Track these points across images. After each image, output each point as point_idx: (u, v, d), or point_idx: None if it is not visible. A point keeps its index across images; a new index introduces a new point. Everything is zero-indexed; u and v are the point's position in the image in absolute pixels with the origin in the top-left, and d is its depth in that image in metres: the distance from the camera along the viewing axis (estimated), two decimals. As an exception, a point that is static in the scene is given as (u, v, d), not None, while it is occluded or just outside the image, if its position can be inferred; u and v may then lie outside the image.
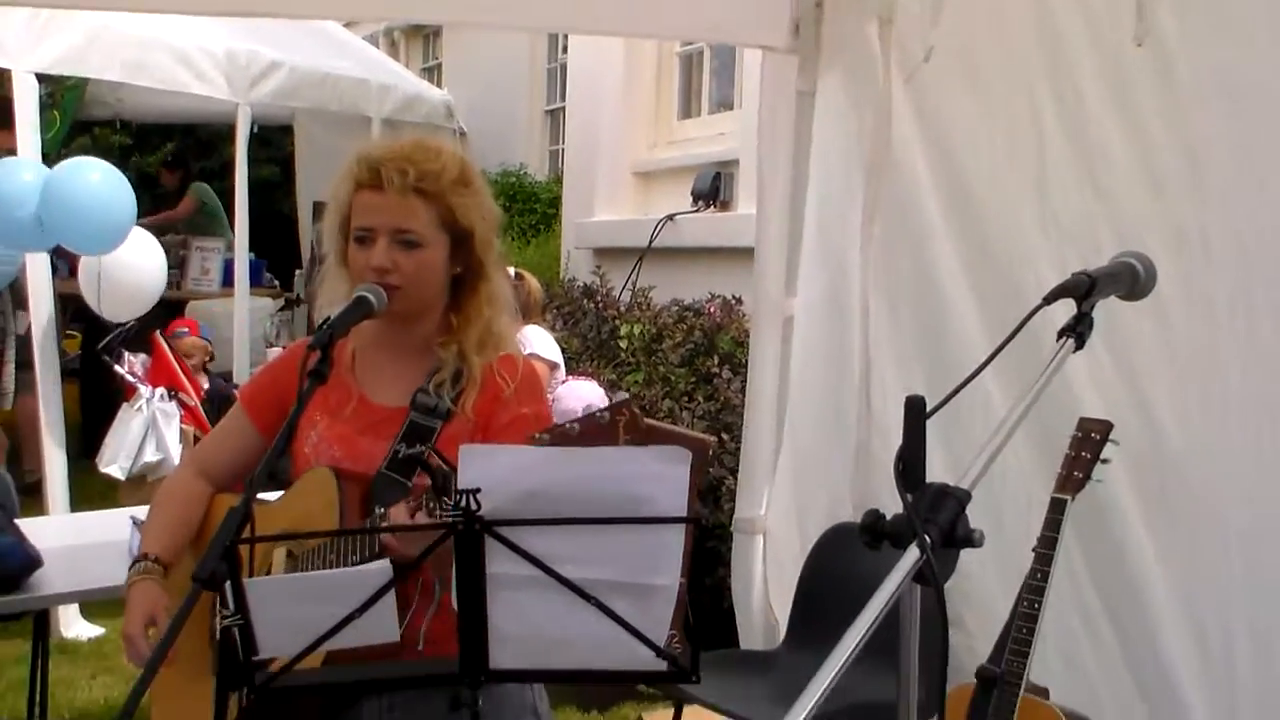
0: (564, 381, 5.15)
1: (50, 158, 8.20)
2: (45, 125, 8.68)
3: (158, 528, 2.65)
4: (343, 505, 2.41)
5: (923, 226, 4.04)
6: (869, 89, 4.23)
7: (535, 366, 5.02)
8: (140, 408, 6.42)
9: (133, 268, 6.26)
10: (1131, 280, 2.20)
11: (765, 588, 4.50)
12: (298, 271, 10.75)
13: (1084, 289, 2.08)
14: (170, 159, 11.31)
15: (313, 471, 2.48)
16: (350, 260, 2.49)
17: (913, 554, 1.70)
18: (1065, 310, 2.10)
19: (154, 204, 10.74)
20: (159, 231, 9.86)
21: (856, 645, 1.60)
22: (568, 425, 2.23)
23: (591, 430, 2.20)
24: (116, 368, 6.57)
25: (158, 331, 6.88)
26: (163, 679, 2.67)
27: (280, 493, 2.64)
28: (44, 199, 5.62)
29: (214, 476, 2.70)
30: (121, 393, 6.67)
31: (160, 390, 6.49)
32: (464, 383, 2.52)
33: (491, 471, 1.99)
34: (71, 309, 8.46)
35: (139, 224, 9.77)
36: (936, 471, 1.83)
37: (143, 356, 6.79)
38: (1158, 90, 3.36)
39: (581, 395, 4.93)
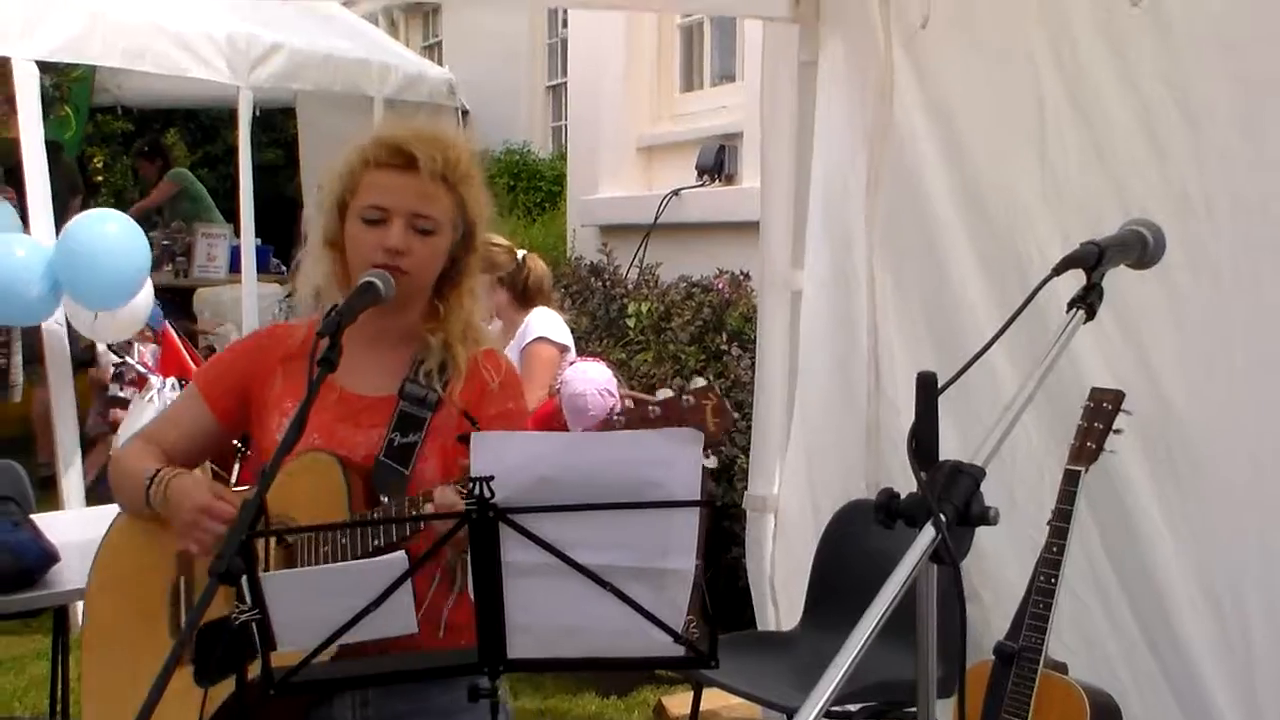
0: (572, 363, 5.13)
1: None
2: (61, 124, 8.72)
3: (146, 461, 2.56)
4: (350, 494, 2.40)
5: (925, 196, 4.03)
6: (870, 57, 4.20)
7: (541, 351, 5.03)
8: (152, 398, 6.39)
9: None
10: (1141, 249, 2.19)
11: (773, 567, 4.50)
12: (304, 257, 10.73)
13: (1093, 259, 2.06)
14: (146, 149, 11.26)
15: (311, 456, 2.43)
16: (353, 241, 2.46)
17: (929, 533, 1.69)
18: (1067, 280, 2.07)
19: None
20: (140, 220, 9.89)
21: (874, 627, 1.60)
22: (649, 409, 2.28)
23: (674, 414, 2.25)
24: (126, 359, 6.57)
25: (167, 321, 6.87)
26: (97, 664, 2.63)
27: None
28: (58, 254, 5.66)
29: (167, 458, 2.60)
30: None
31: (171, 380, 6.47)
32: (449, 373, 2.52)
33: (504, 459, 2.00)
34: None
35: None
36: (947, 447, 1.82)
37: (153, 347, 6.79)
38: (1156, 51, 3.33)
39: (590, 377, 4.90)
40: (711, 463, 2.31)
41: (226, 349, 2.87)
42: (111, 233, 5.80)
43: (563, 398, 4.85)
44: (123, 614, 2.60)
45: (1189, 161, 3.28)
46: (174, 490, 2.45)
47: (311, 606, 2.03)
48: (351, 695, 2.46)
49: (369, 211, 2.43)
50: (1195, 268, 3.25)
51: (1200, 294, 3.28)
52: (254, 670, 2.06)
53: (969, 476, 1.74)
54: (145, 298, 6.24)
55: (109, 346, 6.59)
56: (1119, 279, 2.49)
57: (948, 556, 1.69)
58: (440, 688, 2.43)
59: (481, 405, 2.51)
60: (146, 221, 9.93)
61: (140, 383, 6.49)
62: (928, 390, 1.83)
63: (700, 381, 2.37)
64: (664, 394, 2.36)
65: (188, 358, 6.63)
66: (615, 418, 2.27)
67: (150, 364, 6.58)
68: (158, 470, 2.50)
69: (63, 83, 8.92)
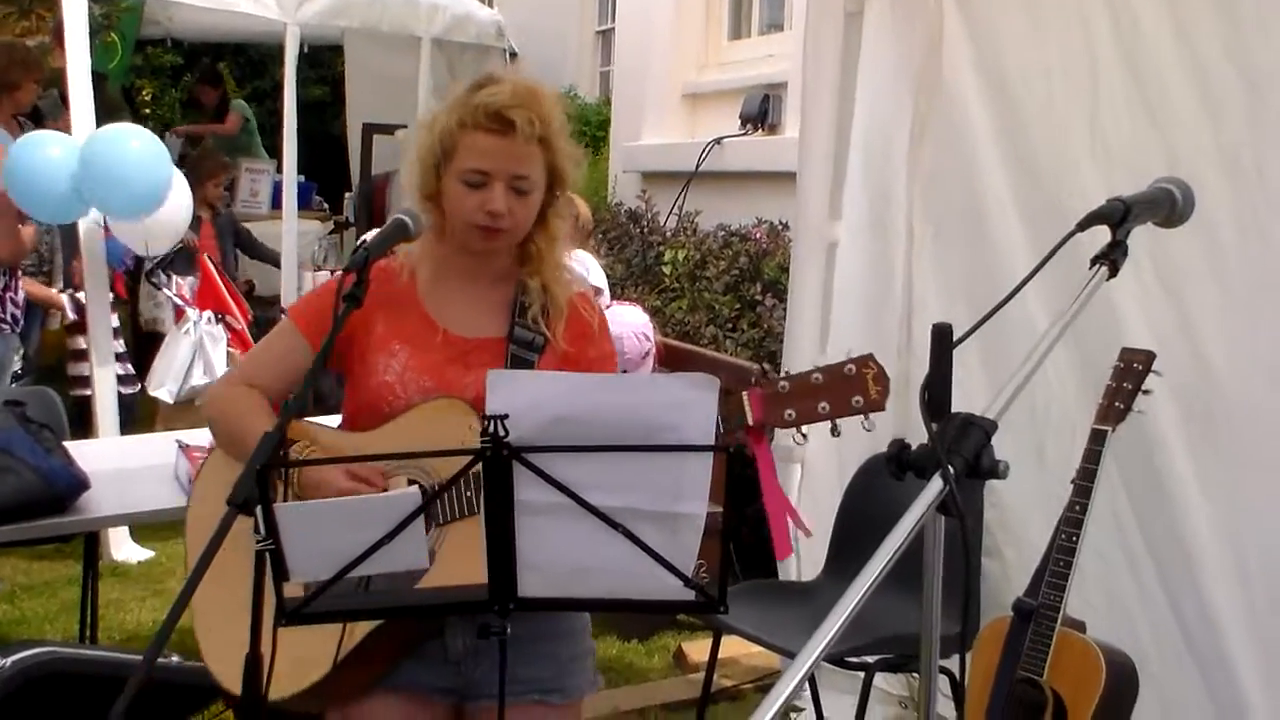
0: (608, 306, 5.13)
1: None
2: (107, 51, 8.75)
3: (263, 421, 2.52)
4: None
5: (972, 151, 4.00)
6: (919, 9, 4.17)
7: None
8: (188, 331, 6.46)
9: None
10: (1169, 206, 2.17)
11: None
12: (347, 194, 10.78)
13: (1119, 215, 2.05)
14: (209, 75, 11.32)
15: (443, 402, 2.47)
16: (454, 200, 2.48)
17: (936, 485, 1.69)
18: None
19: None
20: (196, 141, 9.97)
21: (877, 576, 1.60)
22: (813, 376, 2.36)
23: (835, 381, 2.35)
24: (165, 291, 6.62)
25: (205, 255, 6.92)
26: (210, 601, 2.69)
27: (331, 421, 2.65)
28: (82, 168, 5.66)
29: (265, 394, 2.65)
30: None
31: (207, 313, 6.53)
32: (551, 313, 2.56)
33: (519, 398, 2.01)
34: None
35: (178, 132, 9.78)
36: (979, 402, 1.81)
37: (190, 279, 6.84)
38: (1217, 14, 3.29)
39: (627, 320, 4.91)
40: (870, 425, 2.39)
41: (325, 287, 2.87)
42: (134, 149, 5.79)
43: None
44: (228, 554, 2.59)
45: (1243, 126, 3.25)
46: (307, 481, 2.46)
47: (324, 539, 2.04)
48: (460, 624, 2.50)
49: (470, 175, 2.46)
50: (1243, 228, 3.23)
51: (1247, 256, 3.25)
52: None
53: (980, 429, 1.74)
54: (183, 207, 6.26)
55: (148, 278, 6.61)
56: (1166, 242, 2.47)
57: (955, 509, 1.69)
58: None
59: (584, 346, 2.58)
60: (199, 143, 10.07)
61: (178, 315, 6.54)
62: (942, 342, 1.82)
63: (855, 351, 2.42)
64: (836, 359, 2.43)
65: (224, 291, 6.68)
66: (781, 386, 2.35)
67: (187, 297, 6.63)
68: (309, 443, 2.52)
69: (112, 12, 8.94)
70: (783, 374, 2.43)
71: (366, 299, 2.47)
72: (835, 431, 2.43)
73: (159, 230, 6.13)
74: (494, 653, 2.46)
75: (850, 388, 2.36)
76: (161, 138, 6.41)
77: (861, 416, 2.41)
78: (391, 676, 2.53)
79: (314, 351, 2.58)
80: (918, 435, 1.82)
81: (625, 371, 4.75)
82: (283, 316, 2.84)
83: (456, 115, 2.47)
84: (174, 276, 6.68)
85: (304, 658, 2.39)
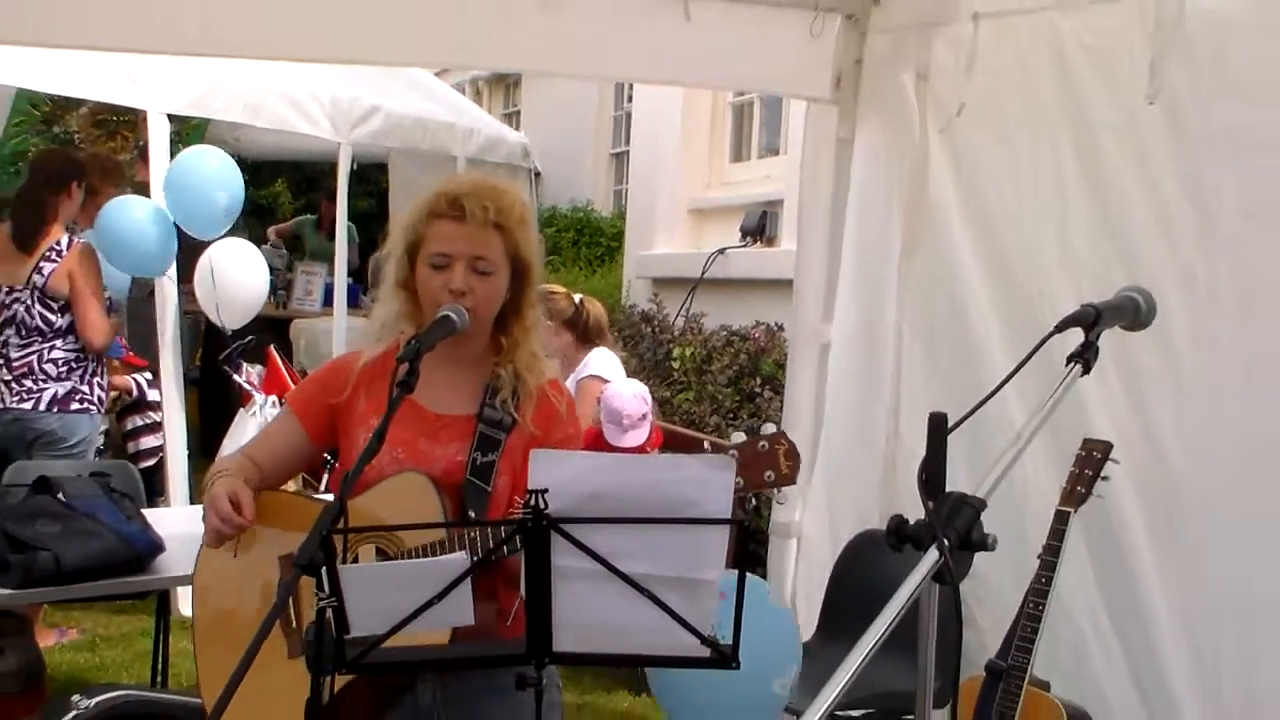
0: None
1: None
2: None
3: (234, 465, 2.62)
4: (446, 513, 2.42)
5: (954, 264, 4.01)
6: (905, 137, 4.20)
7: (593, 387, 5.04)
8: (255, 413, 6.45)
9: (242, 284, 6.36)
10: (1134, 312, 2.20)
11: (794, 586, 4.49)
12: (391, 294, 10.81)
13: (1090, 319, 2.08)
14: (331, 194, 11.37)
15: (406, 476, 2.47)
16: (423, 283, 2.51)
17: (932, 555, 1.70)
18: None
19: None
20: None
21: (879, 638, 1.60)
22: (729, 451, 2.34)
23: (749, 456, 2.32)
24: (235, 377, 6.64)
25: (271, 346, 6.96)
26: (215, 658, 2.64)
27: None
28: (166, 187, 5.92)
29: (262, 470, 2.66)
30: (238, 399, 6.75)
31: (272, 398, 6.54)
32: (520, 398, 2.56)
33: (558, 474, 2.02)
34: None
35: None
36: (961, 487, 1.82)
37: (259, 368, 6.86)
38: (1170, 142, 3.32)
39: (622, 389, 4.90)
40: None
41: (314, 374, 2.91)
42: (213, 168, 6.07)
43: (601, 401, 4.86)
44: (231, 610, 2.62)
45: (1195, 244, 3.26)
46: (212, 489, 2.53)
47: (382, 597, 2.05)
48: (431, 679, 2.50)
49: (435, 258, 2.49)
50: (1195, 340, 3.25)
51: (1198, 364, 3.26)
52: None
53: (971, 507, 1.75)
54: (260, 291, 6.39)
55: (224, 363, 6.63)
56: (1129, 348, 2.43)
57: (949, 577, 1.69)
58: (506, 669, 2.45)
59: (550, 428, 2.57)
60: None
61: (246, 399, 6.57)
62: (938, 429, 1.83)
63: (771, 427, 2.38)
64: (737, 438, 2.40)
65: (288, 378, 6.70)
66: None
67: (255, 383, 6.65)
68: (219, 472, 2.58)
69: (182, 130, 9.04)
70: (706, 447, 2.41)
71: (348, 382, 2.57)
72: (748, 504, 2.40)
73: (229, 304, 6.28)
74: (459, 704, 2.49)
75: (763, 462, 2.33)
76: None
77: (775, 490, 2.38)
78: None
79: (304, 431, 2.65)
80: (902, 510, 1.83)
81: (628, 428, 4.73)
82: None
83: (423, 209, 2.52)
84: (244, 364, 6.70)
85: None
